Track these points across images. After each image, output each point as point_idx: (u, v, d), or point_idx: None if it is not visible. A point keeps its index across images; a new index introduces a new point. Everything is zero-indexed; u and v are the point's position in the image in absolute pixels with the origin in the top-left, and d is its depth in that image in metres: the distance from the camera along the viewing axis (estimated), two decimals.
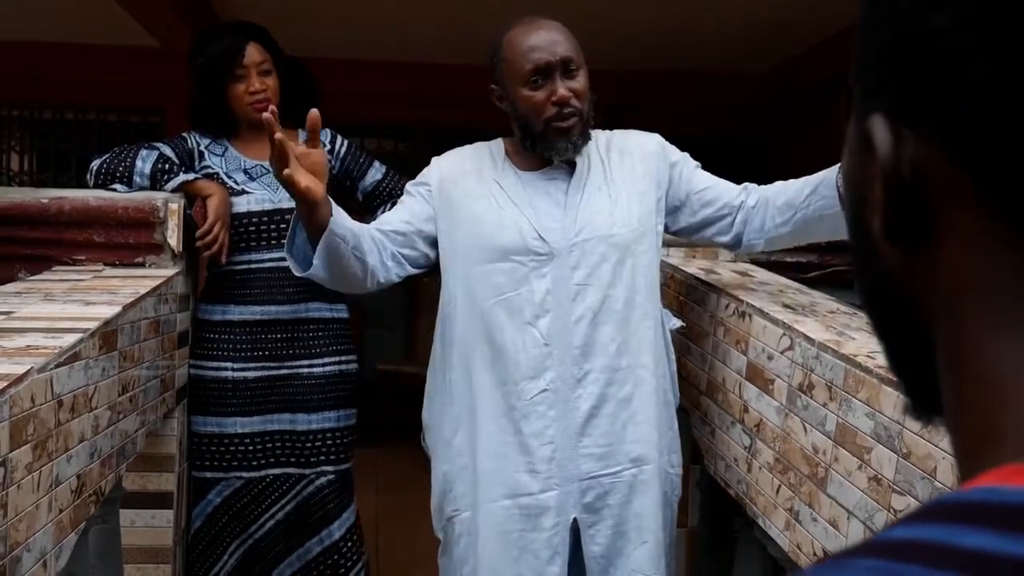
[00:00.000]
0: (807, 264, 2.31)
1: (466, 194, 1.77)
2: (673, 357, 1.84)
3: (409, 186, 1.86)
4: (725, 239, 1.85)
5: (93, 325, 1.60)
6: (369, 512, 2.88)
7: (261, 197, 2.26)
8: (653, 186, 1.78)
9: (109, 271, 2.15)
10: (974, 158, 0.30)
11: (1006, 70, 0.28)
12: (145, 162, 2.21)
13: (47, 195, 2.18)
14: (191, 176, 2.22)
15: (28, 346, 1.43)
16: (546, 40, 1.67)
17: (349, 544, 2.34)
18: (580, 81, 1.69)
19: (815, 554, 1.47)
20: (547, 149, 1.72)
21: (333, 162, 2.37)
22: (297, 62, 2.34)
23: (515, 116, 1.74)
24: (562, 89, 1.66)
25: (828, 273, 2.29)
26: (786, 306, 1.78)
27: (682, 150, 1.88)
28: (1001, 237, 0.30)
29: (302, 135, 2.36)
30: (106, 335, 1.65)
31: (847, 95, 0.38)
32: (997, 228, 0.30)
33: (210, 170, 2.28)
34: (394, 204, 2.39)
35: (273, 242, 2.25)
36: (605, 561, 1.71)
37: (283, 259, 2.24)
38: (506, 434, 1.71)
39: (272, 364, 2.25)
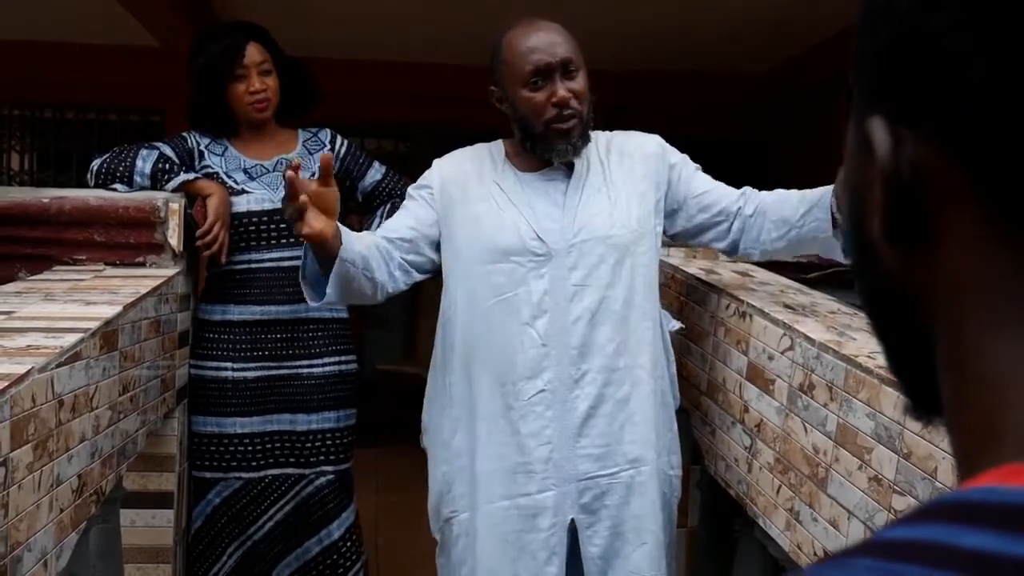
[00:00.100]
0: (807, 264, 2.31)
1: (467, 196, 1.77)
2: (672, 358, 1.84)
3: (412, 190, 1.86)
4: (721, 245, 1.86)
5: (94, 325, 1.60)
6: (369, 512, 2.88)
7: (261, 197, 2.26)
8: (652, 188, 1.78)
9: (110, 271, 2.15)
10: (973, 159, 0.30)
11: (1005, 71, 0.28)
12: (145, 162, 2.21)
13: (48, 194, 2.19)
14: (191, 176, 2.22)
15: (29, 346, 1.43)
16: (545, 41, 1.67)
17: (348, 544, 2.34)
18: (580, 82, 1.69)
19: (816, 554, 1.47)
20: (547, 150, 1.72)
21: (333, 162, 2.37)
22: (297, 62, 2.35)
23: (515, 117, 1.74)
24: (562, 90, 1.66)
25: (828, 273, 2.29)
26: (787, 306, 1.78)
27: (682, 150, 1.88)
28: (1000, 238, 0.30)
29: (302, 135, 2.38)
30: (107, 335, 1.65)
31: (847, 96, 0.38)
32: (996, 229, 0.31)
33: (210, 170, 2.28)
34: (394, 204, 2.41)
35: (273, 242, 2.25)
36: (603, 562, 1.71)
37: (283, 259, 2.25)
38: (504, 435, 1.71)
39: (272, 364, 2.25)
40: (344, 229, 1.63)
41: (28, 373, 1.30)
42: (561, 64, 1.66)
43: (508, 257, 1.71)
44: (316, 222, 1.53)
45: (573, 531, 1.72)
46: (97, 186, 2.22)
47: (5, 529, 1.21)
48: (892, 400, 1.28)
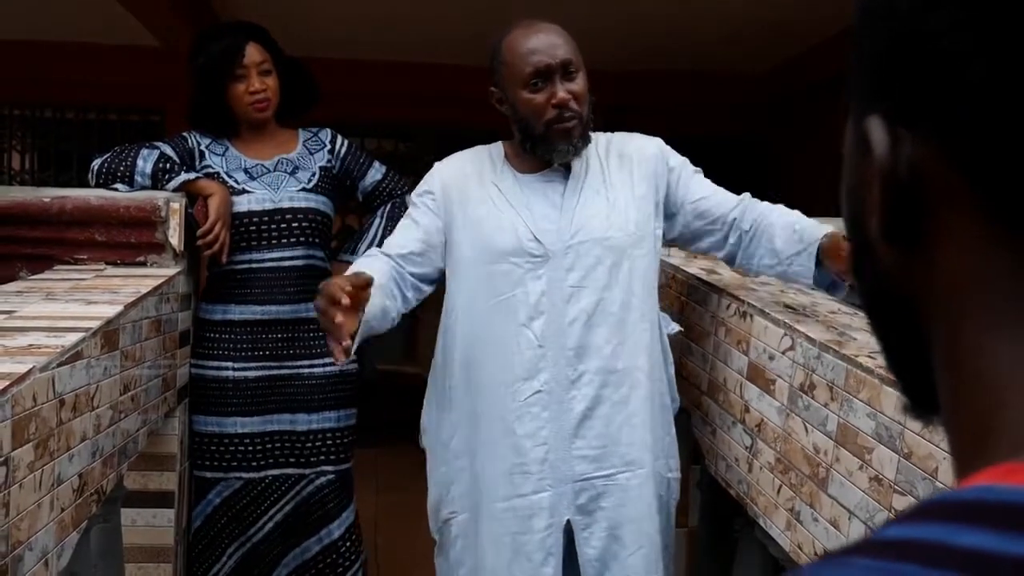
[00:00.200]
0: None
1: (467, 198, 1.77)
2: (671, 361, 1.84)
3: (415, 198, 1.85)
4: (720, 255, 1.86)
5: (95, 324, 1.60)
6: (369, 512, 2.88)
7: (262, 196, 2.26)
8: (651, 190, 1.78)
9: (110, 270, 2.15)
10: (972, 160, 0.30)
11: (1005, 72, 0.28)
12: (146, 161, 2.21)
13: (48, 194, 2.19)
14: (192, 175, 2.22)
15: (30, 345, 1.44)
16: (545, 43, 1.67)
17: (348, 544, 2.34)
18: (579, 83, 1.69)
19: (816, 554, 1.47)
20: (548, 151, 1.72)
21: (333, 162, 2.38)
22: (297, 62, 2.35)
23: (515, 119, 1.74)
24: (561, 92, 1.66)
25: None
26: (787, 306, 1.78)
27: (682, 150, 1.88)
28: (998, 238, 0.31)
29: (302, 135, 2.38)
30: (108, 334, 1.65)
31: (848, 96, 0.38)
32: (994, 229, 0.31)
33: (211, 170, 2.28)
34: (394, 204, 2.41)
35: (274, 241, 2.25)
36: (600, 564, 1.71)
37: (283, 259, 2.25)
38: (500, 435, 1.72)
39: (272, 364, 2.25)
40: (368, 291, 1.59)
41: (29, 372, 1.30)
42: (561, 66, 1.67)
43: (506, 258, 1.72)
44: (349, 323, 1.48)
45: (570, 533, 1.72)
46: (98, 186, 2.23)
47: (6, 528, 1.22)
48: (893, 400, 1.28)
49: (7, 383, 1.23)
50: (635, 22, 4.19)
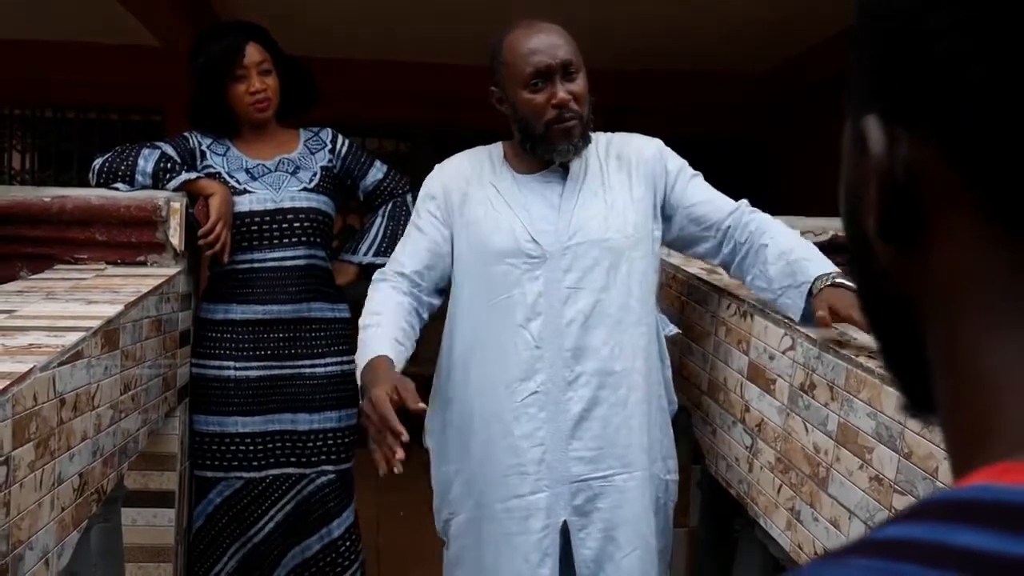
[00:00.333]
0: None
1: (466, 199, 1.78)
2: (668, 362, 1.84)
3: (419, 205, 1.85)
4: (715, 262, 1.84)
5: (95, 324, 1.60)
6: (369, 512, 2.88)
7: (263, 196, 2.26)
8: (650, 192, 1.78)
9: (111, 270, 2.15)
10: (970, 160, 0.30)
11: (1005, 72, 0.29)
12: (147, 161, 2.21)
13: (49, 194, 2.19)
14: (193, 175, 2.22)
15: (30, 345, 1.44)
16: (546, 43, 1.67)
17: (348, 543, 2.34)
18: (580, 84, 1.69)
19: (816, 554, 1.47)
20: (548, 151, 1.72)
21: (334, 161, 2.38)
22: (297, 62, 2.35)
23: (515, 118, 1.74)
24: (562, 92, 1.66)
25: None
26: None
27: (682, 150, 1.88)
28: (995, 238, 0.31)
29: (303, 135, 2.38)
30: (108, 334, 1.66)
31: (846, 95, 0.38)
32: (992, 229, 0.31)
33: (212, 170, 2.28)
34: (395, 204, 2.42)
35: (275, 241, 2.25)
36: (595, 566, 1.71)
37: (285, 258, 2.25)
38: (497, 436, 1.72)
39: (274, 363, 2.26)
40: (393, 352, 1.63)
41: (30, 372, 1.30)
42: (561, 66, 1.66)
43: (503, 259, 1.72)
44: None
45: (566, 533, 1.72)
46: (99, 185, 2.23)
47: (7, 528, 1.22)
48: (893, 400, 1.28)
49: (8, 382, 1.23)
50: (635, 22, 4.19)
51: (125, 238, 2.18)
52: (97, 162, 2.24)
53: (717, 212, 1.78)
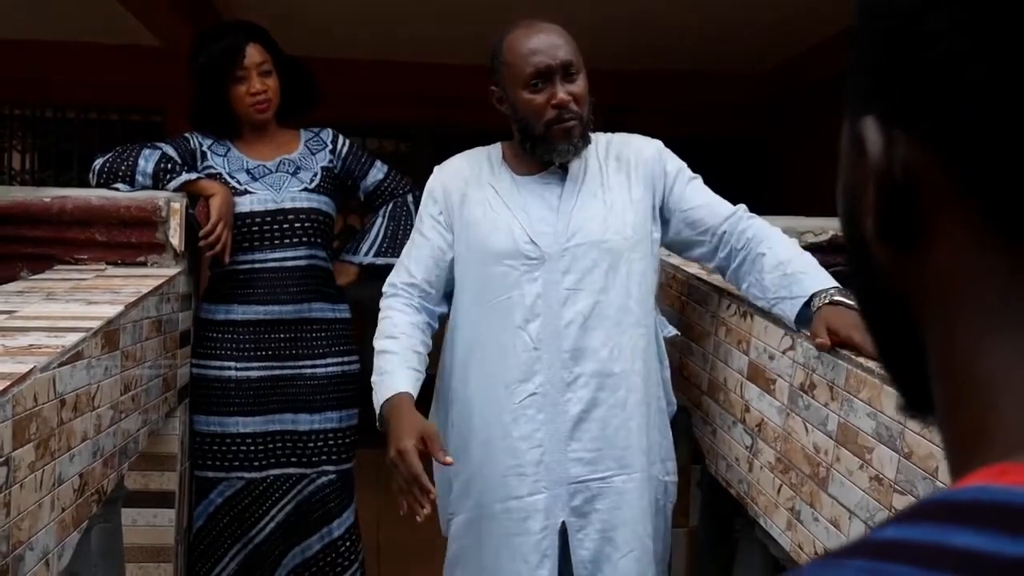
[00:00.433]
0: None
1: (465, 200, 1.78)
2: (667, 364, 1.84)
3: (422, 210, 1.85)
4: (710, 266, 1.84)
5: (95, 324, 1.60)
6: (370, 512, 2.88)
7: (264, 197, 2.26)
8: (649, 193, 1.77)
9: (111, 270, 2.15)
10: (968, 162, 0.30)
11: (1005, 73, 0.28)
12: (147, 161, 2.21)
13: (49, 194, 2.19)
14: (193, 176, 2.22)
15: (31, 345, 1.44)
16: (546, 43, 1.67)
17: (348, 544, 2.34)
18: (580, 85, 1.69)
19: (816, 554, 1.47)
20: (547, 151, 1.72)
21: (335, 162, 2.38)
22: (297, 62, 2.35)
23: (515, 118, 1.74)
24: (562, 93, 1.66)
25: (829, 273, 2.29)
26: None
27: (682, 150, 1.87)
28: (993, 240, 0.31)
29: (304, 135, 2.39)
30: (108, 334, 1.66)
31: (845, 96, 0.38)
32: (989, 232, 0.31)
33: (212, 170, 2.28)
34: (396, 204, 2.42)
35: (276, 242, 2.25)
36: (593, 566, 1.71)
37: (286, 259, 2.25)
38: (496, 437, 1.72)
39: (275, 364, 2.26)
40: (412, 384, 1.68)
41: (30, 372, 1.30)
42: (562, 67, 1.66)
43: (502, 260, 1.72)
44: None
45: (565, 534, 1.72)
46: (99, 185, 2.23)
47: (7, 528, 1.22)
48: (893, 400, 1.28)
49: (8, 383, 1.23)
50: (635, 22, 4.19)
51: (125, 238, 2.18)
52: (97, 162, 2.24)
53: (713, 217, 1.76)
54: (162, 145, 2.29)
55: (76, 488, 1.49)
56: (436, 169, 1.87)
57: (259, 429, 2.26)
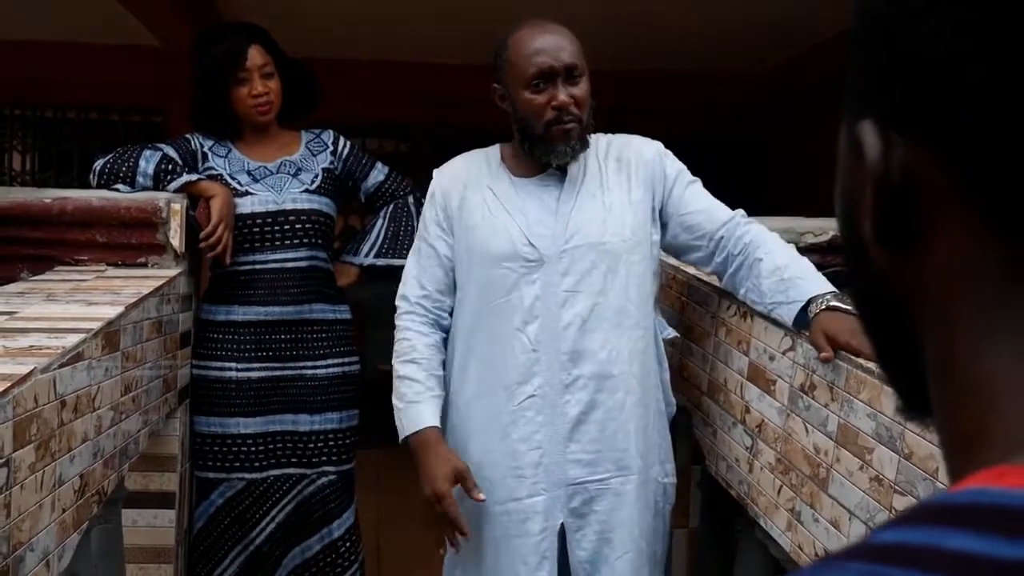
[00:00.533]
0: None
1: (464, 203, 1.78)
2: (666, 366, 1.84)
3: (425, 217, 1.85)
4: (707, 270, 1.84)
5: (96, 325, 1.60)
6: (370, 513, 2.89)
7: (265, 198, 2.26)
8: (648, 195, 1.77)
9: (112, 271, 2.15)
10: (968, 163, 0.30)
11: (1005, 72, 0.29)
12: (148, 162, 2.21)
13: (50, 195, 2.19)
14: (194, 177, 2.22)
15: (31, 346, 1.44)
16: (552, 45, 1.67)
17: (348, 544, 2.34)
18: (582, 88, 1.69)
19: (816, 555, 1.47)
20: (546, 152, 1.72)
21: (336, 163, 2.38)
22: (299, 63, 2.35)
23: (515, 118, 1.74)
24: (563, 95, 1.66)
25: (829, 273, 2.29)
26: None
27: (682, 150, 1.87)
28: (991, 243, 0.31)
29: (305, 136, 2.39)
30: (109, 335, 1.66)
31: (844, 99, 0.38)
32: (988, 234, 0.31)
33: (213, 171, 2.28)
34: (396, 205, 2.42)
35: (277, 243, 2.25)
36: (591, 567, 1.71)
37: (287, 260, 2.26)
38: (495, 439, 1.72)
39: (276, 365, 2.26)
40: (437, 415, 1.74)
41: (31, 373, 1.30)
42: (565, 69, 1.66)
43: (500, 263, 1.72)
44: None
45: (564, 535, 1.72)
46: (99, 186, 2.23)
47: (8, 529, 1.22)
48: (893, 401, 1.28)
49: (8, 384, 1.23)
50: (635, 22, 4.19)
51: (126, 239, 2.18)
52: (98, 163, 2.25)
53: (710, 222, 1.76)
54: (163, 146, 2.29)
55: (76, 489, 1.49)
56: (435, 172, 1.87)
57: (259, 430, 2.26)
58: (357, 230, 3.27)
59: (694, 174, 1.84)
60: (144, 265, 2.19)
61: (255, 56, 2.22)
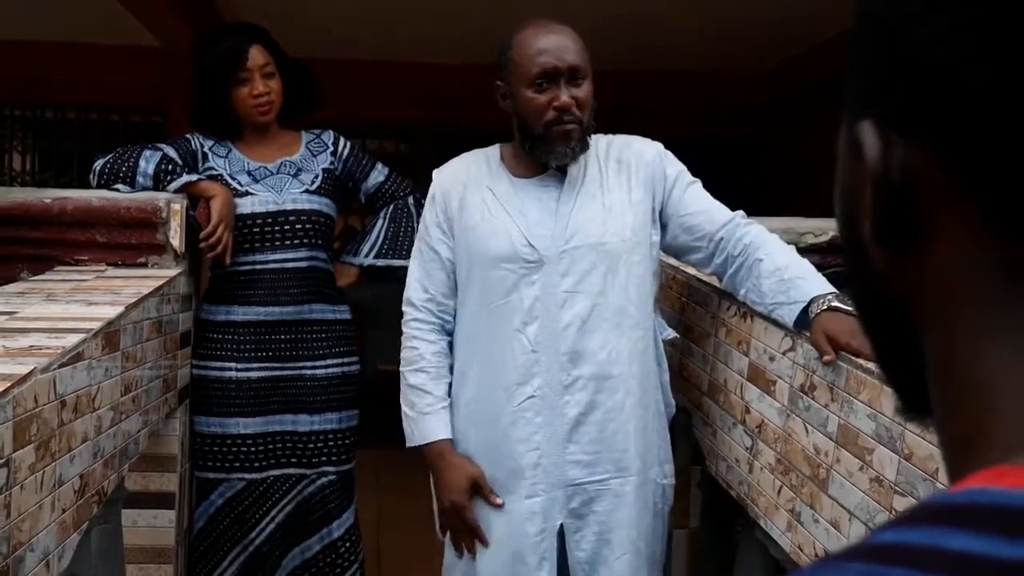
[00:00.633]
0: None
1: (464, 204, 1.78)
2: (666, 366, 1.84)
3: (426, 219, 1.84)
4: (706, 271, 1.84)
5: (96, 325, 1.60)
6: (370, 513, 2.89)
7: (265, 199, 2.26)
8: (648, 195, 1.77)
9: (112, 271, 2.15)
10: (966, 164, 0.30)
11: (1005, 72, 0.29)
12: (148, 162, 2.21)
13: (50, 195, 2.19)
14: (194, 177, 2.22)
15: (31, 346, 1.44)
16: (556, 45, 1.67)
17: (347, 545, 2.34)
18: (584, 90, 1.69)
19: (816, 555, 1.47)
20: (545, 153, 1.72)
21: (336, 164, 2.38)
22: (299, 64, 2.35)
23: (516, 116, 1.74)
24: (565, 96, 1.66)
25: (829, 273, 2.29)
26: None
27: (683, 150, 1.87)
28: (991, 243, 0.31)
29: (305, 137, 2.39)
30: (109, 335, 1.66)
31: (844, 100, 0.38)
32: (988, 234, 0.31)
33: (214, 172, 2.28)
34: (396, 206, 2.42)
35: (277, 243, 2.25)
36: (589, 567, 1.71)
37: (287, 260, 2.26)
38: (495, 440, 1.72)
39: (275, 365, 2.26)
40: (448, 425, 1.78)
41: (30, 374, 1.30)
42: (569, 70, 1.66)
43: (500, 264, 1.72)
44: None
45: (563, 536, 1.72)
46: (99, 186, 2.23)
47: (8, 529, 1.22)
48: (893, 401, 1.27)
49: (8, 384, 1.23)
50: (635, 22, 4.19)
51: (126, 239, 2.18)
52: (98, 163, 2.25)
53: (710, 223, 1.76)
54: (163, 146, 2.28)
55: (76, 489, 1.49)
56: (435, 173, 1.87)
57: (259, 430, 2.26)
58: (357, 230, 3.27)
59: (694, 174, 1.84)
60: (144, 265, 2.19)
61: (256, 56, 2.22)
